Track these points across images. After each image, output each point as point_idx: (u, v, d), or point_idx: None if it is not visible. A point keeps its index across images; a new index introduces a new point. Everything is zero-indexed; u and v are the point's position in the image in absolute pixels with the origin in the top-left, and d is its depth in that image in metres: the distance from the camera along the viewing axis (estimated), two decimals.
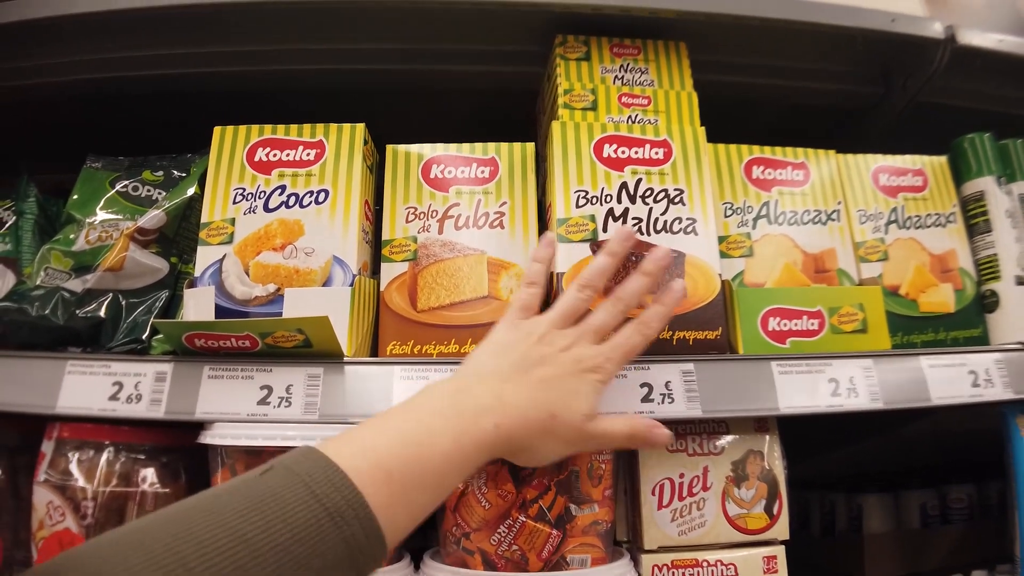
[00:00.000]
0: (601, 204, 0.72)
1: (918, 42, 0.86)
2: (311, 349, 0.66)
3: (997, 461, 0.82)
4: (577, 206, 0.71)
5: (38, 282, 0.76)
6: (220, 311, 0.69)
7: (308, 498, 0.41)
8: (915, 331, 0.79)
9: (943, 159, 0.87)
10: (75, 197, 0.81)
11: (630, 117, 0.78)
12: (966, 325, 0.81)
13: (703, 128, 0.76)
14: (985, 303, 0.83)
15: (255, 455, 0.66)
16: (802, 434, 1.07)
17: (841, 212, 0.80)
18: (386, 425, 0.49)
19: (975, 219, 0.84)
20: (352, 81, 0.90)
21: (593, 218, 0.71)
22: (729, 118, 0.86)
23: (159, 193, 0.80)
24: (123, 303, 0.74)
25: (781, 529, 0.71)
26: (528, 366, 0.56)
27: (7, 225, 0.86)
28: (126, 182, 0.82)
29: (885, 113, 0.96)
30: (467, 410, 0.51)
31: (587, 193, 0.72)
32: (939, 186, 0.85)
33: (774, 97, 0.96)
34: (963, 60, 0.88)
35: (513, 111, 0.93)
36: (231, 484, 0.42)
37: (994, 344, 0.82)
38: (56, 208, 0.88)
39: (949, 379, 0.73)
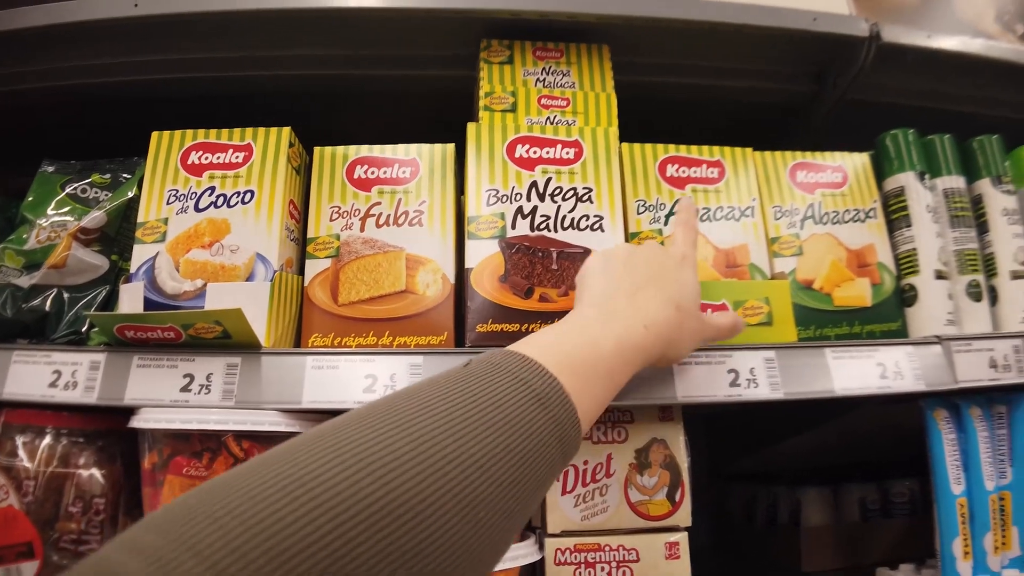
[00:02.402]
0: (511, 202, 0.77)
1: (843, 40, 0.90)
2: (231, 340, 0.72)
3: None
4: (488, 204, 0.77)
5: None
6: (151, 305, 0.76)
7: (515, 383, 0.44)
8: (829, 324, 0.83)
9: (865, 156, 0.91)
10: (30, 199, 0.89)
11: (548, 118, 0.83)
12: (884, 319, 0.85)
13: (615, 128, 0.81)
14: (904, 297, 0.87)
15: (182, 439, 0.73)
16: (746, 427, 1.12)
17: (756, 208, 0.84)
18: (555, 332, 0.54)
19: (896, 214, 0.88)
20: (292, 86, 0.97)
21: (503, 216, 0.76)
22: (664, 118, 0.91)
23: (105, 194, 0.87)
24: (66, 298, 0.81)
25: (684, 516, 0.76)
26: (638, 276, 0.61)
27: None
28: (76, 184, 0.89)
29: (817, 111, 1.00)
30: (619, 319, 0.56)
31: (498, 192, 0.77)
32: (859, 182, 0.89)
33: (707, 97, 1.01)
34: (891, 57, 0.91)
35: (450, 114, 0.99)
36: (436, 376, 0.45)
37: (913, 337, 0.85)
38: (15, 210, 0.96)
39: (855, 371, 0.77)
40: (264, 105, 1.00)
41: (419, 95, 1.01)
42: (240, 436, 0.70)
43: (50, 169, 0.91)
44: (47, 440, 0.77)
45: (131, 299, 0.76)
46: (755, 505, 1.15)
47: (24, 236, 0.86)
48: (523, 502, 0.43)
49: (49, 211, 0.87)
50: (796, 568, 1.03)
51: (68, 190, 0.88)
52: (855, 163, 0.90)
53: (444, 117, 0.98)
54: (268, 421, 0.69)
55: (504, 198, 0.77)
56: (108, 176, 0.89)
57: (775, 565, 1.07)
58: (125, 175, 0.89)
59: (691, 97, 1.01)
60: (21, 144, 1.06)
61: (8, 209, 0.95)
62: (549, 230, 0.76)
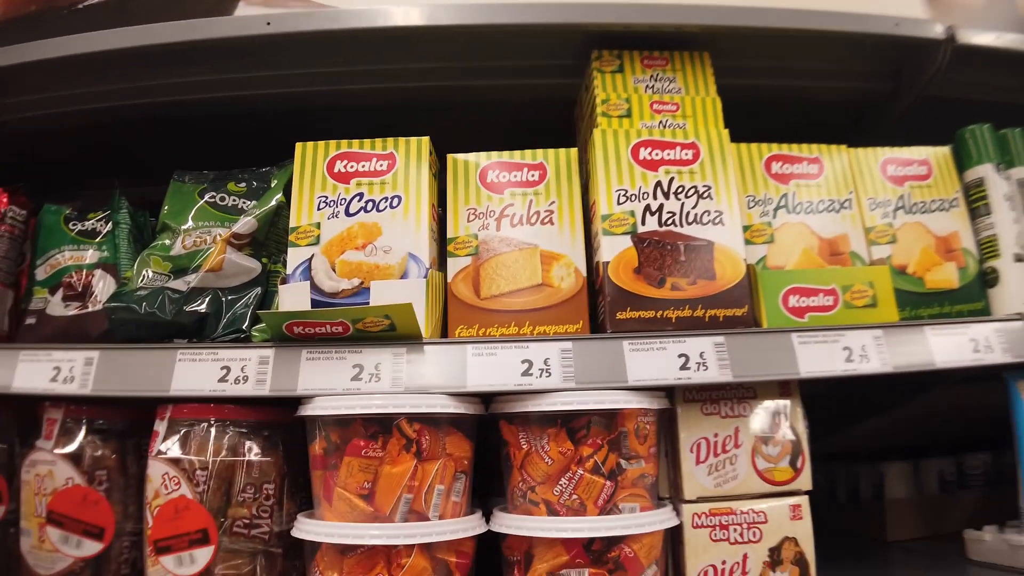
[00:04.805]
0: (639, 201, 0.88)
1: (921, 43, 1.02)
2: (394, 332, 0.82)
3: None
4: (618, 203, 0.88)
5: (139, 284, 0.93)
6: (312, 303, 0.86)
7: None
8: (922, 306, 0.95)
9: (946, 149, 1.02)
10: (167, 208, 0.99)
11: (661, 122, 0.94)
12: (969, 299, 0.97)
13: (727, 130, 0.92)
14: (987, 279, 0.98)
15: (346, 424, 0.83)
16: (830, 406, 1.23)
17: (853, 201, 0.96)
18: None
19: (976, 203, 1.00)
20: (410, 96, 1.07)
21: (633, 213, 0.87)
22: (753, 118, 1.02)
23: (244, 202, 0.97)
24: (223, 299, 0.90)
25: (805, 480, 0.87)
26: None
27: (103, 234, 1.03)
28: (213, 193, 0.98)
29: (896, 108, 1.12)
30: None
31: (627, 191, 0.88)
32: (943, 174, 1.01)
33: (794, 97, 1.12)
34: (964, 57, 1.03)
35: (551, 119, 1.10)
36: None
37: (995, 315, 0.97)
38: (142, 218, 1.05)
39: (952, 346, 0.89)
40: (374, 114, 1.11)
41: (519, 103, 1.11)
42: (412, 419, 0.80)
43: (184, 179, 1.01)
44: (214, 432, 0.86)
45: (293, 297, 0.86)
46: (835, 482, 1.26)
47: (167, 243, 0.96)
48: None
49: (190, 219, 0.97)
50: (881, 538, 1.15)
51: (206, 199, 0.98)
52: (937, 156, 1.02)
53: (536, 122, 1.09)
54: (439, 404, 0.80)
55: (633, 197, 0.88)
56: (244, 185, 0.99)
57: (860, 536, 1.18)
58: (260, 183, 0.99)
59: (775, 98, 1.12)
60: (133, 157, 1.16)
61: (137, 218, 1.04)
62: (675, 225, 0.87)
